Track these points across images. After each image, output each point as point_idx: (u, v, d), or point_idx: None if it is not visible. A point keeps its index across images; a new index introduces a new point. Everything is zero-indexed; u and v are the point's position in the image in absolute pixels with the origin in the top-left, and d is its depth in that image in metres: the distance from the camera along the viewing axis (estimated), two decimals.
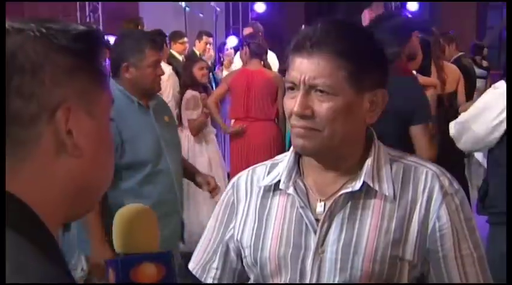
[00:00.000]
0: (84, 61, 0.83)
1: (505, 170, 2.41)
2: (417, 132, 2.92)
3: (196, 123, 4.85)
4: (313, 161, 1.32)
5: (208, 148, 4.91)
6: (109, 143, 0.88)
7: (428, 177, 1.30)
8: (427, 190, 1.29)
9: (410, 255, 1.27)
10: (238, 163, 4.58)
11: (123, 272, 0.92)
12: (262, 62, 4.87)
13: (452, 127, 2.68)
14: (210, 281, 1.45)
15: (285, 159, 1.39)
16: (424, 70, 3.93)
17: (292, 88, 1.28)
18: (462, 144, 2.58)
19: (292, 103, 1.27)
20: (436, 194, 1.28)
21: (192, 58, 5.47)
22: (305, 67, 1.24)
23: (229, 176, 4.85)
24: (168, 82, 5.19)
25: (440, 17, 10.43)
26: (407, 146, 3.03)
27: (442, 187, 1.29)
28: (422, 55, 4.61)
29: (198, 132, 4.91)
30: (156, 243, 0.99)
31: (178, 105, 5.02)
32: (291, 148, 1.37)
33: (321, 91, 1.24)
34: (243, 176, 1.45)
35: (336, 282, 1.27)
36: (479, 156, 2.85)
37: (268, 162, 1.45)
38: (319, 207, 1.30)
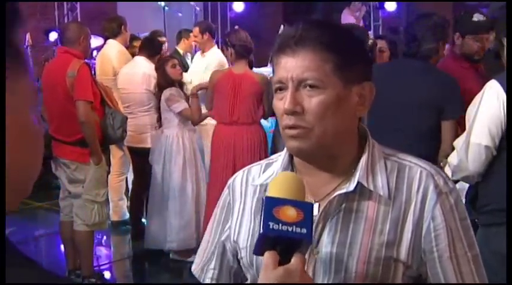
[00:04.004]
0: None
1: (504, 168, 2.42)
2: (445, 126, 3.15)
3: (194, 109, 4.81)
4: (306, 163, 1.32)
5: (185, 147, 4.87)
6: (33, 139, 0.79)
7: (423, 176, 1.30)
8: (421, 190, 1.29)
9: (405, 257, 1.27)
10: (222, 167, 4.42)
11: (267, 208, 1.09)
12: (247, 64, 4.70)
13: (455, 155, 2.61)
14: (208, 281, 1.46)
15: (279, 159, 1.39)
16: None
17: (280, 89, 1.28)
18: (471, 166, 2.50)
19: (282, 103, 1.27)
20: (431, 194, 1.28)
21: (163, 58, 5.30)
22: (292, 64, 1.25)
23: (210, 182, 4.76)
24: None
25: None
26: (438, 139, 3.20)
27: (436, 186, 1.29)
28: (390, 54, 4.67)
29: (199, 117, 4.88)
30: (303, 199, 1.16)
31: (157, 107, 4.93)
32: (285, 148, 1.37)
33: (310, 86, 1.24)
34: (238, 176, 1.45)
35: (330, 282, 1.28)
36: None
37: (264, 162, 1.45)
38: (314, 208, 1.27)
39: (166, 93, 4.78)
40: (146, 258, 5.11)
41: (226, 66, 5.81)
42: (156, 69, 4.95)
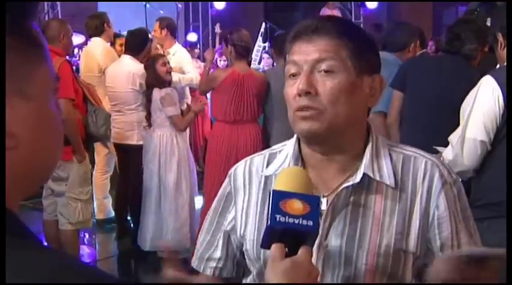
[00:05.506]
0: (10, 35, 0.72)
1: (497, 162, 2.45)
2: None
3: (187, 118, 4.83)
4: (316, 153, 1.32)
5: (179, 147, 4.83)
6: (53, 126, 0.79)
7: (428, 166, 1.31)
8: (427, 179, 1.30)
9: (414, 247, 1.29)
10: (224, 164, 4.45)
11: (274, 201, 1.10)
12: (248, 63, 4.80)
13: (450, 150, 2.62)
14: (209, 271, 1.46)
15: (285, 148, 1.39)
16: None
17: (294, 75, 1.29)
18: (466, 161, 2.53)
19: (294, 88, 1.27)
20: (436, 183, 1.30)
21: (152, 56, 5.21)
22: (307, 48, 1.27)
23: (204, 177, 4.81)
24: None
25: (398, 15, 10.61)
26: None
27: (441, 176, 1.31)
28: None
29: (186, 127, 4.90)
30: (310, 193, 1.16)
31: (146, 106, 4.87)
32: (293, 138, 1.37)
33: (325, 71, 1.25)
34: (240, 166, 1.45)
35: (340, 275, 1.29)
36: None
37: (266, 152, 1.44)
38: (323, 202, 1.29)
39: (162, 92, 4.70)
40: (132, 257, 5.08)
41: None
42: (146, 67, 4.88)
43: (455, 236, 1.30)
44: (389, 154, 1.33)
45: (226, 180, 1.46)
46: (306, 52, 1.27)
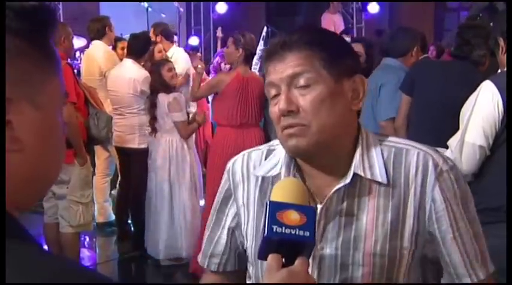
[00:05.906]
0: (27, 43, 0.74)
1: (497, 167, 2.46)
2: None
3: (191, 127, 4.82)
4: (308, 166, 1.32)
5: (189, 152, 4.84)
6: (57, 136, 0.81)
7: (420, 158, 1.30)
8: (420, 172, 1.29)
9: (408, 242, 1.28)
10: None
11: (271, 212, 1.11)
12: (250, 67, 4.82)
13: (449, 154, 2.60)
14: (213, 267, 1.48)
15: (278, 148, 1.38)
16: (367, 73, 4.10)
17: (275, 96, 1.29)
18: (465, 165, 2.52)
19: (276, 108, 1.28)
20: (430, 175, 1.28)
21: (158, 61, 5.24)
22: (281, 67, 1.27)
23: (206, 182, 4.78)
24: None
25: (400, 19, 10.61)
26: None
27: (436, 166, 1.29)
28: (366, 57, 4.76)
29: (189, 136, 4.88)
30: (306, 203, 1.18)
31: (150, 111, 4.86)
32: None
33: (303, 86, 1.25)
34: (238, 160, 1.45)
35: (337, 278, 1.29)
36: None
37: (264, 147, 1.44)
38: (318, 209, 1.28)
39: (170, 97, 4.71)
40: (132, 260, 5.08)
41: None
42: (151, 72, 4.89)
43: (455, 226, 1.29)
44: (381, 150, 1.32)
45: (225, 176, 1.46)
46: (280, 70, 1.27)
